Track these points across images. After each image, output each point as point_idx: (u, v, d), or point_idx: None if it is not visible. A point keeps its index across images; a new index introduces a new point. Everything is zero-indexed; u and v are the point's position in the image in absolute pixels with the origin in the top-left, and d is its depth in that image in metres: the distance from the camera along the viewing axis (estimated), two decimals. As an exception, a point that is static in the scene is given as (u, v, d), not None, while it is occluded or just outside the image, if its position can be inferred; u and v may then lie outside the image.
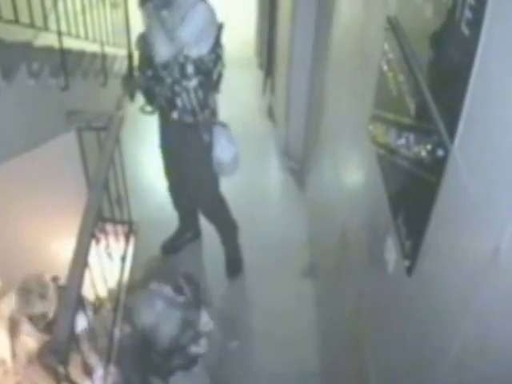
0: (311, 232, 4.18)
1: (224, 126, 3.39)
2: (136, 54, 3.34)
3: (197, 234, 4.13)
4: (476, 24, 1.26)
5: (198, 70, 3.10)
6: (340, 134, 3.15)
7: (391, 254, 1.95)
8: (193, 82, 3.11)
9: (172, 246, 4.06)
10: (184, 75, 3.10)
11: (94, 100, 4.53)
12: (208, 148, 3.31)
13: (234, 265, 3.97)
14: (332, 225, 3.34)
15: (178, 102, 3.17)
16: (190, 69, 3.08)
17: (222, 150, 3.32)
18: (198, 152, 3.37)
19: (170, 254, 4.03)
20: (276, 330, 3.58)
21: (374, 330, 2.33)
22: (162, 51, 3.09)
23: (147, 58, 3.19)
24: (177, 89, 3.13)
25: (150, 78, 3.19)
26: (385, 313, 2.16)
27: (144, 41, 3.23)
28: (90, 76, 4.33)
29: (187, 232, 4.08)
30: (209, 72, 3.15)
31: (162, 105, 3.23)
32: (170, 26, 3.02)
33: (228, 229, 3.88)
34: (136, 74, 3.36)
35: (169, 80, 3.12)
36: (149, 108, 3.37)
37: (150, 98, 3.30)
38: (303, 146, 4.66)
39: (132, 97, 3.38)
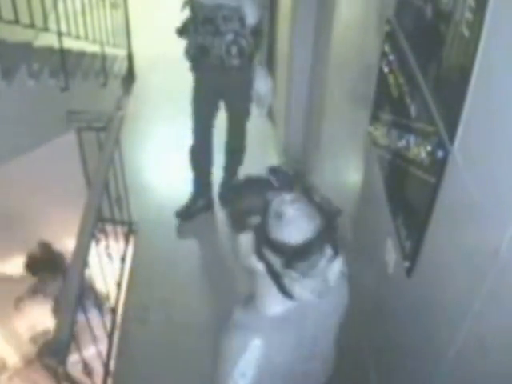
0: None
1: (261, 64, 3.83)
2: (183, 14, 3.61)
3: (209, 205, 4.33)
4: (476, 26, 1.26)
5: None
6: (341, 135, 3.16)
7: (391, 255, 1.96)
8: (248, 30, 3.47)
9: (186, 213, 4.24)
10: (243, 25, 3.44)
11: (94, 100, 4.54)
12: (250, 84, 3.73)
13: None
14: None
15: (234, 49, 3.50)
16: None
17: (259, 83, 3.71)
18: (243, 89, 3.77)
19: (185, 220, 4.23)
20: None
21: (374, 330, 2.33)
22: (253, 11, 3.45)
23: (204, 16, 3.45)
24: (236, 38, 3.47)
25: (207, 33, 3.49)
26: (385, 313, 2.17)
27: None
28: (90, 76, 4.33)
29: (200, 198, 4.28)
30: (260, 19, 3.55)
31: (221, 55, 3.51)
32: None
33: (237, 165, 4.28)
34: (184, 34, 3.67)
35: (230, 32, 3.45)
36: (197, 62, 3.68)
37: (205, 53, 3.57)
38: (303, 146, 4.66)
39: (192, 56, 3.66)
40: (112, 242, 3.38)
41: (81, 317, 2.47)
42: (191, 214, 4.25)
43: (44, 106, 3.43)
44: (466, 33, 1.32)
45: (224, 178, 4.34)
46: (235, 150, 4.20)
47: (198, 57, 3.60)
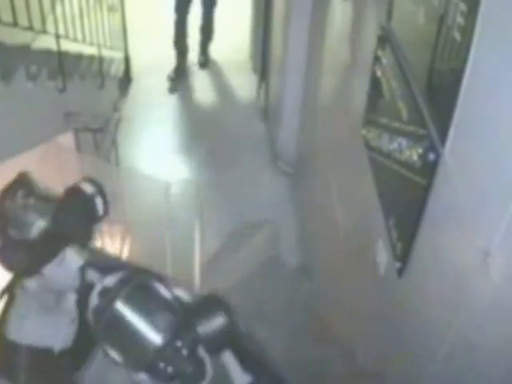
0: (304, 234, 4.20)
1: None
2: None
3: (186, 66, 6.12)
4: (468, 30, 1.29)
5: None
6: (334, 138, 3.18)
7: (382, 256, 1.98)
8: None
9: (176, 73, 5.87)
10: None
11: (91, 102, 4.55)
12: None
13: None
14: (325, 227, 3.36)
15: None
16: None
17: None
18: None
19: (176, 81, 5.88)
20: (269, 329, 3.59)
21: (366, 329, 2.35)
22: None
23: None
24: None
25: None
26: (376, 313, 2.19)
27: None
28: (88, 78, 4.35)
29: (182, 61, 5.89)
30: None
31: None
32: None
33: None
34: None
35: None
36: None
37: None
38: (297, 149, 4.68)
39: None
40: (108, 242, 3.40)
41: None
42: (179, 73, 5.87)
43: (42, 108, 3.45)
44: (458, 37, 1.34)
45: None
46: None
47: None
